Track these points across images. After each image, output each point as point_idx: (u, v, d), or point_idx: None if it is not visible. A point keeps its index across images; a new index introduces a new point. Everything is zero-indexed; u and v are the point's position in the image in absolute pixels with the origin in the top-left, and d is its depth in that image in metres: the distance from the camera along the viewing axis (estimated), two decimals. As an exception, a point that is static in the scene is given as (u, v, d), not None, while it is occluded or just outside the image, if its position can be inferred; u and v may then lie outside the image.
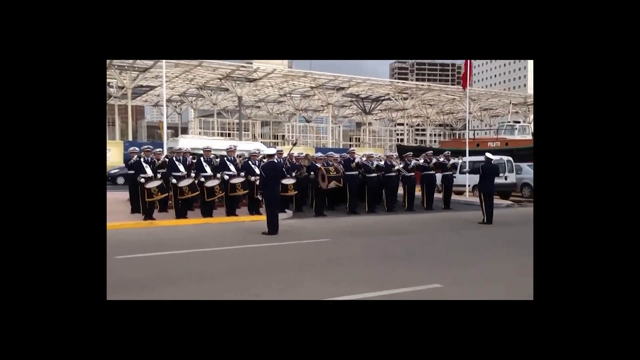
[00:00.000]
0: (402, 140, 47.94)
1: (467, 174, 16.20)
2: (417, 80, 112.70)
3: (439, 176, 13.90)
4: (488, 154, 11.06)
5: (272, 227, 8.72)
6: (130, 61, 27.09)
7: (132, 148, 11.27)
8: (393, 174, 12.68)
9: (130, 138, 31.59)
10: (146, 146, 10.74)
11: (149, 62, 27.21)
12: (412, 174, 13.15)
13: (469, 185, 16.29)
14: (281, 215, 9.74)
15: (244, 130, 37.43)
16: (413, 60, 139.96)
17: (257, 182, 10.08)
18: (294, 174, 11.48)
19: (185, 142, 12.77)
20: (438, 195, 14.24)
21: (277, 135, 44.12)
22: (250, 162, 10.81)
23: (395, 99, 39.80)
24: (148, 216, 9.95)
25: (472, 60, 17.74)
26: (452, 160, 14.28)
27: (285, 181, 10.34)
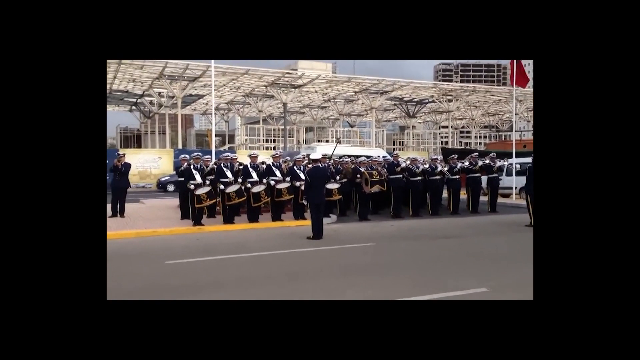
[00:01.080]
0: (446, 142, 47.10)
1: (514, 176, 15.78)
2: (461, 81, 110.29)
3: (484, 179, 13.63)
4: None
5: (317, 232, 8.86)
6: (180, 71, 28.07)
7: (182, 156, 11.73)
8: (437, 177, 12.55)
9: (180, 146, 32.72)
10: (196, 153, 11.13)
11: (198, 72, 28.12)
12: (457, 176, 12.97)
13: (515, 188, 15.86)
14: (326, 220, 9.86)
15: (289, 136, 37.94)
16: (458, 62, 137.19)
17: (302, 187, 10.25)
18: (337, 178, 11.59)
19: (322, 150, 14.65)
20: (484, 198, 13.96)
21: (322, 140, 44.41)
22: (295, 168, 11.01)
23: (440, 102, 39.19)
24: (197, 222, 10.32)
25: (522, 60, 17.08)
26: (498, 163, 13.96)
27: (329, 186, 10.47)
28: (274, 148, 35.52)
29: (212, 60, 13.50)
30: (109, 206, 11.94)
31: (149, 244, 8.65)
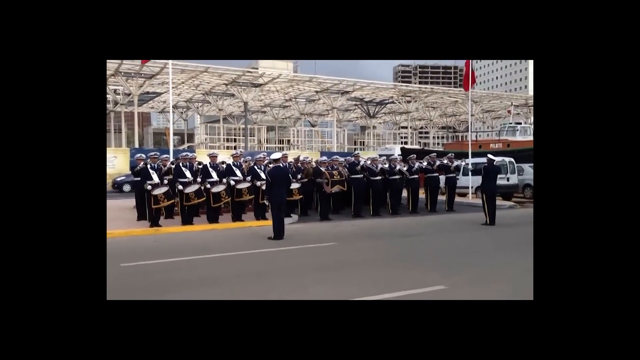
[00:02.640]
0: (406, 142, 47.95)
1: (470, 176, 16.25)
2: (420, 83, 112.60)
3: (442, 178, 13.95)
4: (490, 156, 11.13)
5: (279, 232, 8.81)
6: (137, 68, 27.31)
7: (138, 155, 11.40)
8: (397, 176, 12.75)
9: (136, 145, 31.81)
10: (153, 153, 10.84)
11: (156, 69, 27.44)
12: (416, 176, 13.22)
13: (472, 187, 16.32)
14: (287, 220, 9.83)
15: (250, 135, 37.61)
16: (416, 63, 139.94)
17: (263, 187, 10.17)
18: (299, 177, 11.57)
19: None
20: (442, 198, 14.29)
21: (283, 140, 44.28)
22: (256, 167, 10.91)
23: (399, 102, 39.85)
24: (154, 223, 10.06)
25: (474, 62, 17.75)
26: (455, 163, 14.32)
27: (290, 185, 10.43)
28: (235, 147, 35.12)
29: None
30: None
31: (103, 246, 8.34)
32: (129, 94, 30.62)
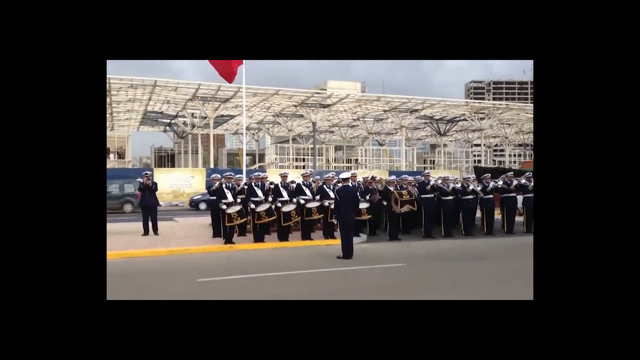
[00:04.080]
0: (479, 161, 46.35)
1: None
2: (494, 99, 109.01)
3: (520, 198, 13.29)
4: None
5: (347, 251, 8.79)
6: (213, 92, 28.74)
7: (214, 175, 11.92)
8: (470, 196, 12.32)
9: (212, 165, 33.32)
10: (228, 173, 11.30)
11: (230, 93, 28.73)
12: (491, 196, 12.70)
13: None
14: (355, 240, 9.79)
15: (318, 155, 38.15)
16: (489, 80, 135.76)
17: (332, 206, 10.23)
18: (367, 197, 11.53)
19: None
20: (519, 219, 13.59)
21: (351, 159, 44.44)
22: (325, 187, 11.02)
23: (472, 120, 38.73)
24: (228, 240, 10.42)
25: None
26: (533, 182, 13.60)
27: (359, 205, 10.41)
28: (304, 167, 35.73)
29: (244, 82, 13.75)
30: (140, 225, 12.19)
31: (181, 261, 8.76)
32: (205, 117, 32.22)
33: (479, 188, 12.67)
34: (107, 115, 35.05)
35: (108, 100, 29.19)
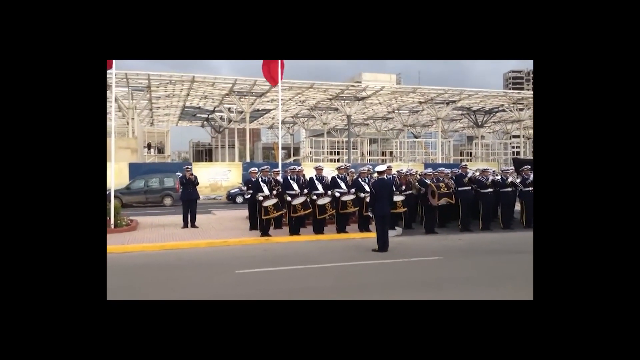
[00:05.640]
0: (518, 153, 45.10)
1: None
2: (533, 89, 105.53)
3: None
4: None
5: (382, 244, 8.80)
6: (249, 87, 29.11)
7: (252, 169, 12.12)
8: (509, 189, 12.06)
9: (248, 159, 33.79)
10: (265, 167, 11.47)
11: (265, 87, 29.02)
12: (531, 188, 12.38)
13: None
14: (391, 233, 9.78)
15: (353, 148, 38.09)
16: (528, 69, 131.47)
17: (367, 199, 10.24)
18: (403, 189, 11.47)
19: None
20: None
21: (385, 152, 44.16)
22: (360, 180, 11.03)
23: (510, 110, 37.71)
24: (265, 233, 10.60)
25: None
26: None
27: (394, 198, 10.38)
28: (338, 160, 35.76)
29: (279, 75, 13.89)
30: (180, 217, 12.55)
31: (220, 253, 9.00)
32: (241, 112, 32.69)
33: (518, 180, 12.38)
34: (147, 111, 36.09)
35: (147, 96, 30.04)
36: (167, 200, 22.53)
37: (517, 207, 12.65)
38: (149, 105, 33.83)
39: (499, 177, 12.25)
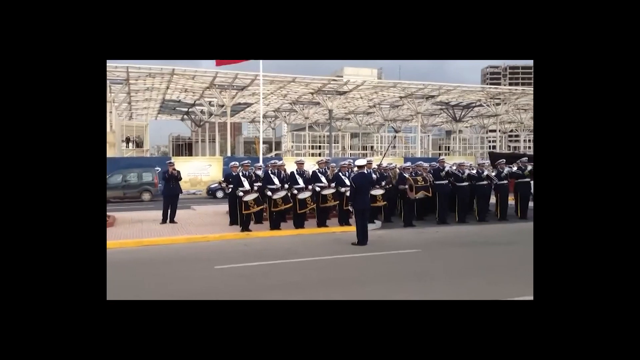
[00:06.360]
0: (494, 147, 45.84)
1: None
2: (510, 84, 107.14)
3: (534, 184, 13.24)
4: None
5: (362, 238, 8.93)
6: (230, 80, 28.90)
7: (232, 163, 12.10)
8: (485, 182, 12.33)
9: (229, 153, 33.62)
10: (246, 161, 11.45)
11: (247, 81, 28.86)
12: (506, 182, 12.68)
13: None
14: (370, 226, 9.92)
15: (334, 142, 38.18)
16: (505, 64, 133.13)
17: (347, 193, 10.35)
18: (382, 184, 11.63)
19: None
20: (533, 204, 13.54)
21: (367, 147, 44.40)
22: (340, 174, 11.13)
23: (487, 105, 38.26)
24: (245, 228, 10.63)
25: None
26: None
27: (374, 192, 10.52)
28: (320, 154, 35.84)
29: (260, 69, 13.87)
30: (160, 213, 12.46)
31: (199, 249, 9.01)
32: (222, 105, 32.44)
33: (494, 174, 12.66)
34: (126, 104, 35.54)
35: (126, 89, 29.59)
36: (146, 196, 22.29)
37: (493, 200, 12.94)
38: (128, 98, 33.32)
39: (474, 171, 12.50)
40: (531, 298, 5.05)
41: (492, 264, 7.23)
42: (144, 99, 35.44)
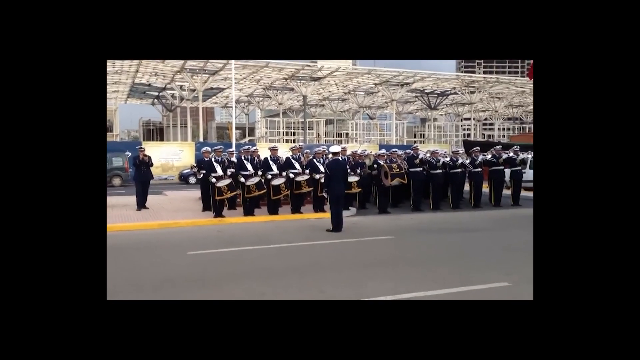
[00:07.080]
0: (468, 135, 46.54)
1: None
2: (484, 73, 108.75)
3: (507, 172, 13.44)
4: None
5: (337, 224, 8.88)
6: (201, 64, 28.31)
7: (204, 148, 11.87)
8: (459, 169, 12.43)
9: (201, 139, 33.06)
10: (218, 147, 11.23)
11: (219, 65, 28.31)
12: (480, 169, 12.82)
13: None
14: (345, 213, 9.88)
15: (309, 129, 38.01)
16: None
17: (322, 180, 10.27)
18: (357, 171, 11.58)
19: None
20: (507, 192, 13.77)
21: (341, 133, 44.40)
22: (315, 160, 11.03)
23: (462, 93, 38.69)
24: (218, 214, 10.45)
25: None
26: (521, 155, 13.73)
27: (349, 178, 10.47)
28: (294, 141, 35.63)
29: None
30: (130, 198, 12.15)
31: (171, 235, 8.81)
32: (193, 90, 31.81)
33: (468, 161, 12.77)
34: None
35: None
36: (116, 181, 21.83)
37: (467, 187, 13.08)
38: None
39: (449, 159, 12.59)
40: (505, 284, 5.16)
41: (465, 251, 7.27)
42: (112, 82, 34.38)
